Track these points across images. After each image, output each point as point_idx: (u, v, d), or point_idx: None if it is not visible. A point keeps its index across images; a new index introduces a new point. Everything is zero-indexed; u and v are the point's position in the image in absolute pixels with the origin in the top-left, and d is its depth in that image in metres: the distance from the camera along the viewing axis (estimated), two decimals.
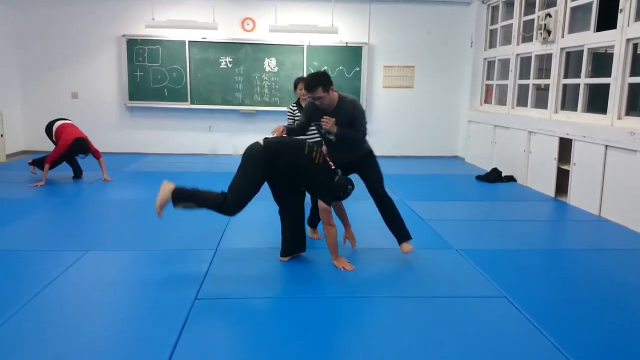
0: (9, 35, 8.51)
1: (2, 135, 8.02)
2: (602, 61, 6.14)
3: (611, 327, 2.88)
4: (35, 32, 8.68)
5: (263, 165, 3.45)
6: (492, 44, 8.69)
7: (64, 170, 7.03)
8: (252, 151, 3.50)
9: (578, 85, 6.11)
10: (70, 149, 6.39)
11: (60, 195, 5.86)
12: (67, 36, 8.73)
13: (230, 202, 3.42)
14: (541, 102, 7.06)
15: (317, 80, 3.67)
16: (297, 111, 5.52)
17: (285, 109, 8.36)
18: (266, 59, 8.93)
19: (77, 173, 6.91)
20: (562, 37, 6.35)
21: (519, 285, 3.43)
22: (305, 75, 8.75)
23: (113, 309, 3.01)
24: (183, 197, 3.38)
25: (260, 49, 8.90)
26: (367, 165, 3.92)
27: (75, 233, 4.50)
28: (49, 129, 6.72)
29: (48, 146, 8.78)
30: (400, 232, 3.92)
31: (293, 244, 3.82)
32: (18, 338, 2.61)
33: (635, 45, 5.21)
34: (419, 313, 3.04)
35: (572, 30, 6.28)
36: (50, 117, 8.43)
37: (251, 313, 2.98)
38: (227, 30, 8.80)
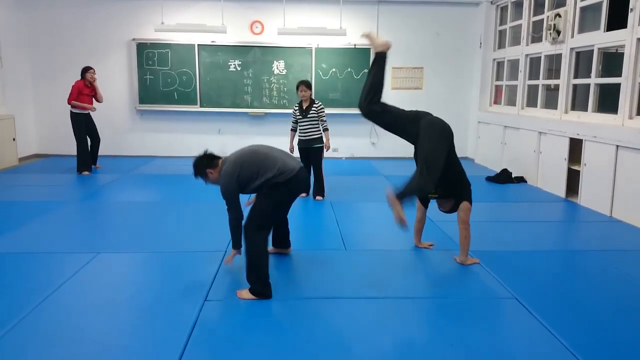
0: (21, 39, 8.61)
1: (14, 139, 8.11)
2: (612, 60, 6.08)
3: (623, 328, 2.86)
4: (46, 37, 8.78)
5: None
6: (501, 45, 8.65)
7: (72, 173, 7.12)
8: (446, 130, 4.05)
9: (588, 85, 6.06)
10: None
11: (71, 198, 5.91)
12: (78, 40, 8.82)
13: (425, 173, 3.71)
14: (551, 102, 7.01)
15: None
16: (297, 112, 5.65)
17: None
18: (275, 61, 8.96)
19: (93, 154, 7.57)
20: (572, 37, 6.30)
21: (529, 287, 3.41)
22: (313, 77, 8.78)
23: (123, 311, 3.04)
24: (404, 197, 3.52)
25: (269, 52, 8.93)
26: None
27: (86, 236, 4.54)
28: None
29: (60, 149, 8.90)
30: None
31: None
32: (30, 340, 2.64)
33: None
34: (428, 314, 3.04)
35: (582, 30, 6.23)
36: (62, 121, 8.55)
37: (260, 314, 2.98)
38: (236, 34, 8.84)
